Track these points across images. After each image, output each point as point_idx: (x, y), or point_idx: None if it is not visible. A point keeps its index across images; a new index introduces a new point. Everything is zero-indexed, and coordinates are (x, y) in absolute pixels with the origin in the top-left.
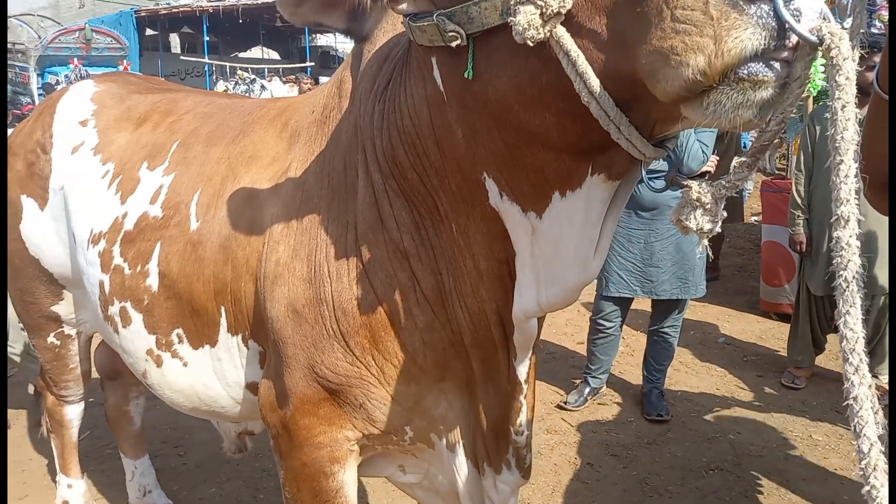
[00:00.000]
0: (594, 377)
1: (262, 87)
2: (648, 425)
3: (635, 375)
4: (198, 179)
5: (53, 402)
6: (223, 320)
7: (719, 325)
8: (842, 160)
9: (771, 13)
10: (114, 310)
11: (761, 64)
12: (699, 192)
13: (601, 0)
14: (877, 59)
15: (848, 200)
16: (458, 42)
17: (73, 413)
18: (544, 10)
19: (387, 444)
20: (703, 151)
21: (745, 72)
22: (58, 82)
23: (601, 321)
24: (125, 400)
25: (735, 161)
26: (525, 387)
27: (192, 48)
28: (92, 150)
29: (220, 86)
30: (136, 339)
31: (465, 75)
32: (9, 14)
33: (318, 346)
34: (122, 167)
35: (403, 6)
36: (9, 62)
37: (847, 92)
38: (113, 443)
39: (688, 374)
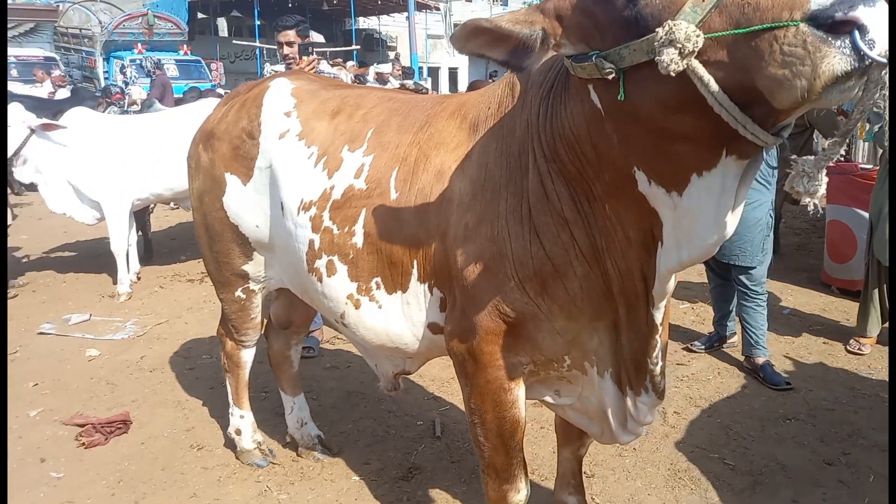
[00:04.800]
0: (719, 324)
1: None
2: (727, 381)
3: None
4: (394, 160)
5: (232, 347)
6: (415, 271)
7: (783, 299)
8: None
9: (847, 45)
10: (321, 263)
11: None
12: (804, 165)
13: (724, 39)
14: None
15: None
16: (613, 75)
17: (249, 356)
18: (682, 50)
19: (549, 370)
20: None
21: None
22: (123, 67)
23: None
24: (287, 346)
25: (827, 141)
26: (660, 328)
27: (239, 32)
28: (297, 136)
29: (269, 68)
30: (338, 287)
31: (619, 98)
32: (66, 0)
33: (501, 290)
34: (325, 150)
35: (565, 50)
36: (76, 47)
37: None
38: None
39: None
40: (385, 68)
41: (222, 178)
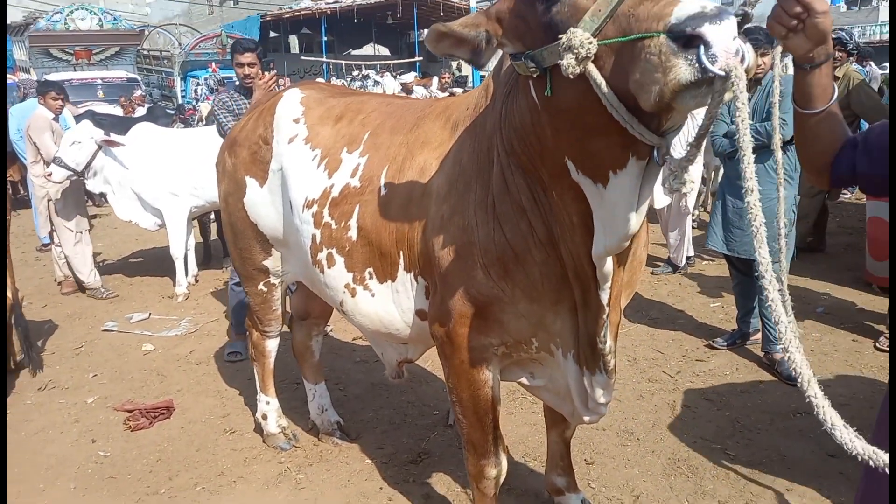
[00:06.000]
0: (742, 321)
1: (375, 82)
2: (743, 377)
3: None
4: (385, 159)
5: (258, 337)
6: (401, 261)
7: (820, 297)
8: (744, 154)
9: (694, 58)
10: (322, 255)
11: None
12: (671, 163)
13: (614, 46)
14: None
15: (750, 178)
16: (537, 73)
17: (272, 345)
18: (578, 55)
19: (519, 351)
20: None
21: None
22: (198, 85)
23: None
24: (309, 337)
25: (685, 143)
26: (607, 308)
27: (309, 48)
28: (304, 140)
29: (336, 82)
30: (337, 277)
31: (546, 93)
32: (150, 25)
33: (470, 275)
34: (327, 152)
35: (507, 49)
36: (156, 68)
37: (743, 111)
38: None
39: None
40: (408, 78)
41: (243, 180)
